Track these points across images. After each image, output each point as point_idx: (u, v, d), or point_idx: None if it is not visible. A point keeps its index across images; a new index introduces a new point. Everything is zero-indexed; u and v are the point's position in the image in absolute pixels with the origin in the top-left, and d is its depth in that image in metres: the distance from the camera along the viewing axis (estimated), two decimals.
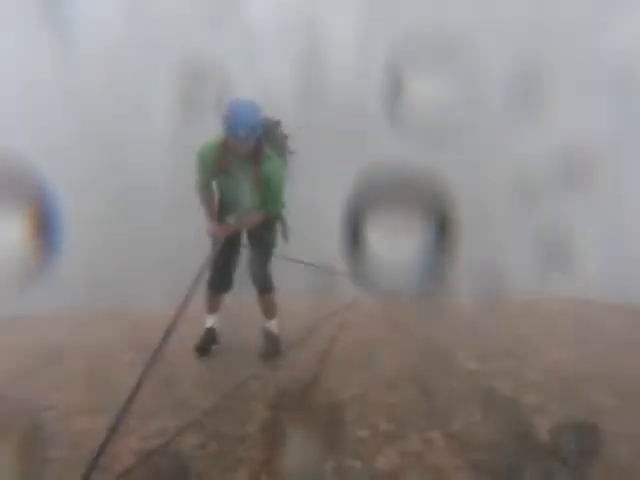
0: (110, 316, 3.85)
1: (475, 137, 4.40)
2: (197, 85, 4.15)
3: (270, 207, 2.70)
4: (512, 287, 4.03)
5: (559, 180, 4.45)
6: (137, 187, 4.84)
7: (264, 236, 2.84)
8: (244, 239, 2.91)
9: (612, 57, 4.45)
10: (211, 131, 2.59)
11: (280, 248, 2.96)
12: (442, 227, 2.12)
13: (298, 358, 2.89)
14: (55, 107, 4.62)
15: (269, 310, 2.98)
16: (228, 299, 3.04)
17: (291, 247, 2.99)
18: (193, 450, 1.94)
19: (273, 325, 2.99)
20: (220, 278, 2.90)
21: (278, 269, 3.00)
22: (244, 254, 2.96)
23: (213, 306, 2.98)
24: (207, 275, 2.88)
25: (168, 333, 2.02)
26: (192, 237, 2.95)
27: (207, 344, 2.93)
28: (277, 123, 2.81)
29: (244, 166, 2.60)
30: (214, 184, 2.79)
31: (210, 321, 2.99)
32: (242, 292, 2.99)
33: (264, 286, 2.91)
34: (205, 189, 2.75)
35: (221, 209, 2.83)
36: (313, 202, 4.44)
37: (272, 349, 2.92)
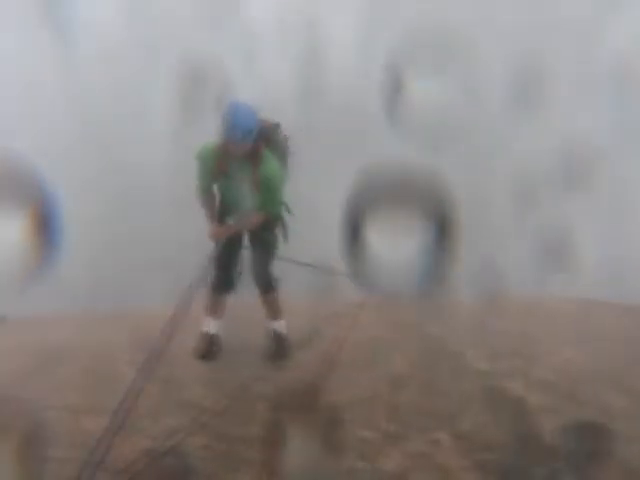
0: (111, 316, 3.84)
1: (475, 137, 4.40)
2: (197, 85, 4.15)
3: (269, 208, 2.71)
4: (513, 286, 4.02)
5: (559, 179, 4.45)
6: (137, 187, 4.83)
7: (265, 237, 2.84)
8: (245, 241, 2.91)
9: (612, 57, 4.44)
10: (211, 131, 2.59)
11: (280, 249, 2.96)
12: (442, 227, 2.11)
13: (303, 359, 2.89)
14: (55, 107, 4.62)
15: (274, 311, 2.98)
16: (231, 300, 3.04)
17: (291, 247, 2.99)
18: (199, 450, 1.95)
19: (282, 326, 2.99)
20: (223, 279, 2.90)
21: (279, 270, 3.00)
22: (246, 255, 2.96)
23: (215, 309, 2.98)
24: (210, 277, 2.89)
25: (168, 332, 2.02)
26: (192, 237, 2.95)
27: (212, 351, 2.94)
28: (276, 125, 2.82)
29: (243, 168, 2.61)
30: (214, 187, 2.81)
31: (211, 326, 2.99)
32: (245, 293, 2.99)
33: (266, 286, 2.92)
34: (206, 192, 2.77)
35: (221, 211, 2.84)
36: (313, 202, 4.43)
37: (281, 350, 2.92)
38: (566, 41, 4.46)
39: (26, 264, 1.51)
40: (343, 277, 3.24)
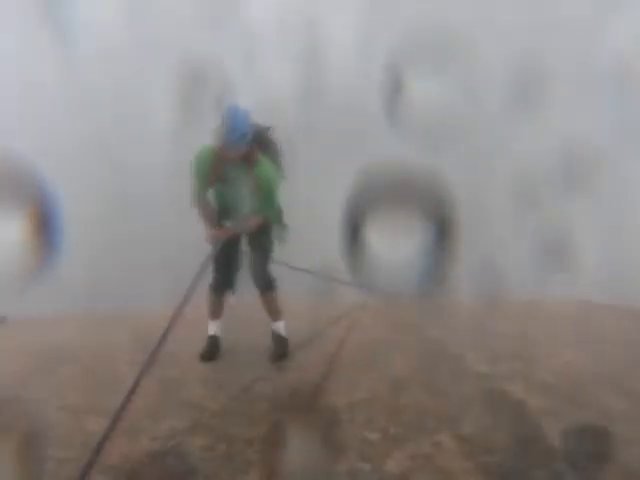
0: (111, 317, 3.85)
1: (475, 137, 4.40)
2: (197, 85, 4.15)
3: (266, 210, 2.74)
4: (513, 287, 4.02)
5: (559, 179, 4.45)
6: (137, 187, 4.83)
7: (262, 240, 2.87)
8: (243, 244, 2.94)
9: (612, 57, 4.44)
10: (211, 131, 2.59)
11: (280, 250, 2.98)
12: (442, 227, 2.11)
13: (306, 360, 2.89)
14: (55, 107, 4.62)
15: (274, 311, 2.99)
16: (232, 300, 3.05)
17: (291, 247, 3.00)
18: (200, 451, 1.94)
19: (280, 327, 3.01)
20: (221, 281, 2.93)
21: (278, 272, 3.02)
22: (244, 257, 2.98)
23: (216, 311, 3.01)
24: (209, 279, 2.91)
25: (168, 330, 2.02)
26: (192, 237, 2.96)
27: (212, 352, 2.96)
28: (268, 128, 2.84)
29: (238, 171, 2.63)
30: (210, 191, 2.83)
31: (213, 328, 3.02)
32: (245, 293, 3.00)
33: (266, 286, 2.93)
34: (202, 196, 2.79)
35: (218, 214, 2.86)
36: (313, 202, 4.43)
37: (280, 351, 2.93)
38: (566, 41, 4.46)
39: (26, 264, 1.51)
40: (340, 283, 3.26)
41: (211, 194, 2.86)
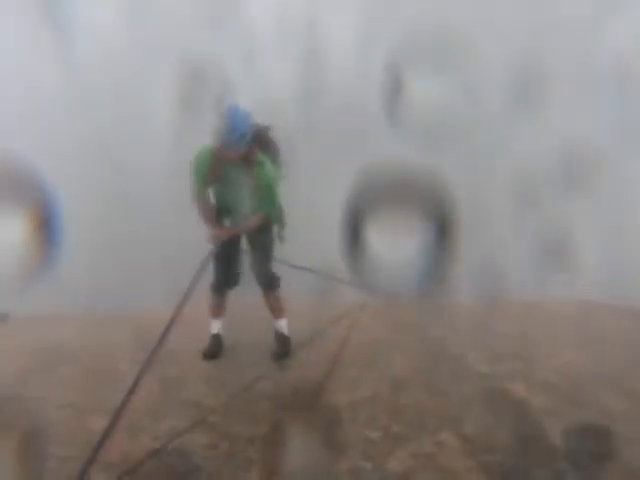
0: (111, 316, 3.86)
1: (475, 137, 4.40)
2: (197, 85, 4.15)
3: (266, 209, 2.75)
4: (513, 287, 4.02)
5: (559, 179, 4.45)
6: (137, 187, 4.83)
7: (262, 239, 2.88)
8: (243, 243, 2.95)
9: (612, 57, 4.44)
10: (211, 131, 2.59)
11: (280, 249, 2.99)
12: (442, 227, 2.11)
13: (308, 358, 2.90)
14: (55, 108, 4.62)
15: (276, 309, 3.01)
16: (234, 298, 3.06)
17: (291, 247, 3.01)
18: (204, 450, 1.95)
19: (283, 326, 3.03)
20: (222, 280, 2.94)
21: (279, 271, 3.02)
22: (245, 256, 2.99)
23: (217, 310, 3.02)
24: (210, 279, 2.92)
25: (168, 328, 2.02)
26: (192, 237, 2.96)
27: (214, 351, 2.97)
28: (267, 128, 2.85)
29: (238, 171, 2.64)
30: (210, 191, 2.84)
31: (216, 327, 3.02)
32: (247, 292, 3.02)
33: (269, 284, 2.95)
34: (202, 197, 2.79)
35: (218, 214, 2.87)
36: (313, 202, 4.43)
37: (282, 350, 2.95)
38: (566, 41, 4.46)
39: (27, 264, 1.51)
40: (341, 283, 3.26)
41: (211, 194, 2.87)
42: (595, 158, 4.18)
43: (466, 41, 3.59)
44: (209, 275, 2.90)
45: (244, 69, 4.55)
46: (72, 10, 4.54)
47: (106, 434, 1.53)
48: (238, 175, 2.66)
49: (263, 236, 2.89)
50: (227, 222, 2.89)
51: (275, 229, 2.94)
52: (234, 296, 3.05)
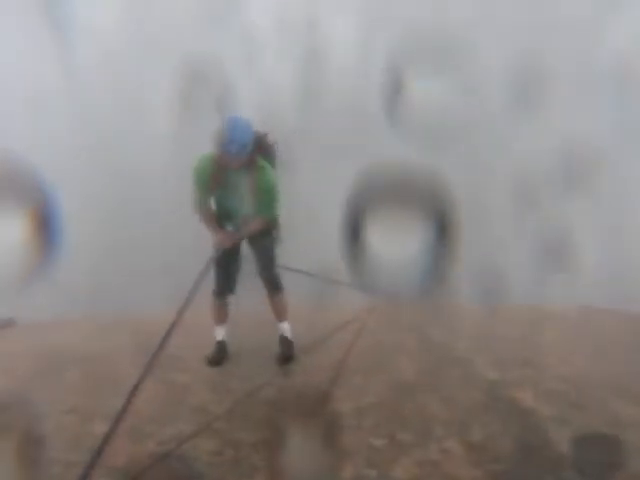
0: (114, 321, 3.84)
1: (475, 137, 4.39)
2: (197, 86, 4.15)
3: (269, 214, 2.77)
4: (513, 288, 4.01)
5: (559, 179, 4.44)
6: (137, 191, 4.83)
7: (263, 243, 2.90)
8: (244, 249, 2.96)
9: (612, 57, 4.44)
10: (211, 133, 2.60)
11: (280, 251, 2.99)
12: (442, 227, 2.11)
13: (312, 364, 2.88)
14: (55, 108, 4.62)
15: (281, 311, 3.02)
16: (238, 303, 3.05)
17: (291, 248, 3.01)
18: (209, 456, 1.94)
19: (286, 329, 3.03)
20: (224, 285, 2.95)
21: (286, 276, 3.03)
22: (247, 260, 2.99)
23: (220, 317, 3.03)
24: (211, 284, 2.92)
25: (171, 331, 2.02)
26: (192, 242, 2.97)
27: (220, 357, 2.97)
28: (266, 134, 2.86)
29: (239, 177, 2.66)
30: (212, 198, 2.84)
31: (220, 334, 3.03)
32: (251, 297, 3.02)
33: (275, 287, 2.97)
34: (204, 204, 2.80)
35: (219, 220, 2.88)
36: (313, 202, 4.43)
37: (286, 354, 2.95)
38: (566, 41, 4.46)
39: (26, 267, 1.50)
40: (341, 285, 3.24)
41: (212, 200, 2.88)
42: (595, 158, 4.17)
43: (466, 41, 3.59)
44: (210, 281, 2.90)
45: (244, 70, 4.55)
46: (72, 10, 4.54)
47: (107, 438, 1.52)
48: (239, 181, 2.68)
49: (264, 239, 2.91)
50: (228, 227, 2.90)
51: (275, 231, 2.96)
52: (238, 302, 3.05)
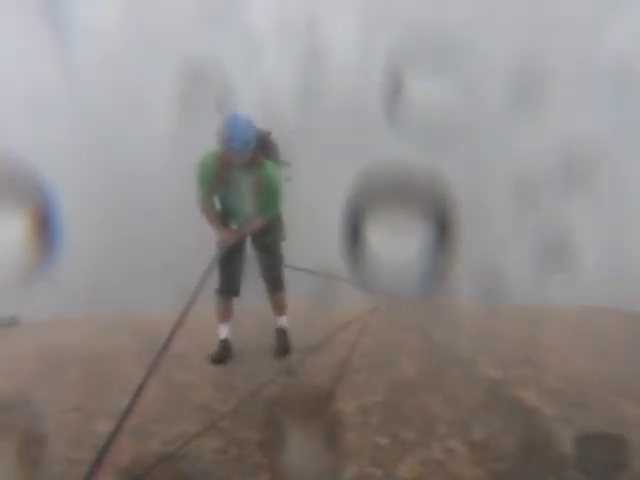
0: (118, 321, 3.85)
1: (475, 137, 4.39)
2: (197, 86, 4.15)
3: (272, 211, 2.77)
4: (513, 287, 4.01)
5: (559, 179, 4.44)
6: (137, 191, 4.83)
7: (268, 241, 2.90)
8: (248, 247, 2.96)
9: (612, 57, 4.44)
10: (211, 132, 2.60)
11: (282, 250, 2.99)
12: (442, 227, 2.11)
13: (316, 364, 2.88)
14: (55, 108, 4.62)
15: (280, 307, 3.05)
16: (242, 304, 3.06)
17: (291, 248, 3.01)
18: (213, 455, 1.94)
19: (284, 321, 3.04)
20: (228, 284, 2.95)
21: (288, 274, 3.04)
22: (250, 259, 2.99)
23: (225, 315, 3.03)
24: (215, 283, 2.93)
25: (175, 329, 2.02)
26: (193, 242, 2.97)
27: (224, 355, 2.97)
28: (268, 133, 2.88)
29: (242, 175, 2.66)
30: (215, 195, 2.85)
31: (223, 332, 3.03)
32: (255, 296, 3.02)
33: (278, 286, 3.00)
34: (208, 202, 2.81)
35: (222, 217, 2.88)
36: (313, 202, 4.43)
37: (282, 346, 2.96)
38: (566, 41, 4.46)
39: (26, 266, 1.50)
40: (343, 282, 3.24)
41: (215, 197, 2.88)
42: (595, 158, 4.17)
43: (466, 41, 3.59)
44: (214, 280, 2.90)
45: (244, 70, 4.55)
46: (72, 10, 4.54)
47: (112, 437, 1.52)
48: (242, 178, 2.68)
49: (268, 238, 2.91)
50: (232, 225, 2.90)
51: (278, 229, 2.96)
52: (242, 301, 3.05)
